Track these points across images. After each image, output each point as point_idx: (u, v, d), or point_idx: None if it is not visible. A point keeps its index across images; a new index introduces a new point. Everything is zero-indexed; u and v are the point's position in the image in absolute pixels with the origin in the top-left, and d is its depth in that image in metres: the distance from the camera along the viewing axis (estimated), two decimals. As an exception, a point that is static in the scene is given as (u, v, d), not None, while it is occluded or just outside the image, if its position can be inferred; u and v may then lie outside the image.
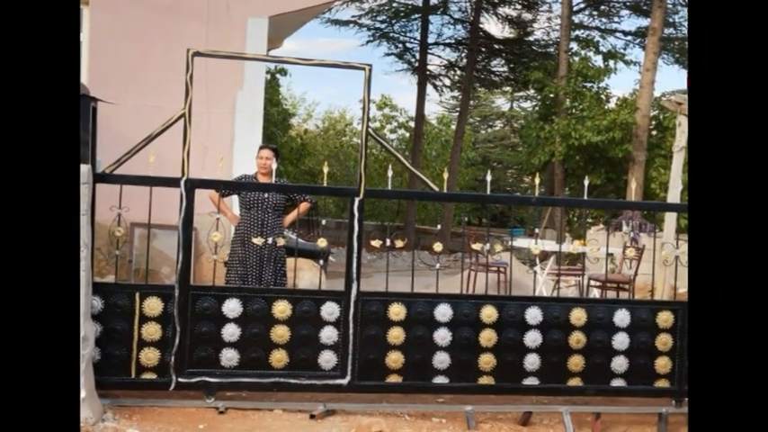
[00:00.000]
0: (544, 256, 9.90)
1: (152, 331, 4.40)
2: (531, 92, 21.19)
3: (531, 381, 4.75)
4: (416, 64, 21.43)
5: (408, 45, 21.96)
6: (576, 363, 4.77)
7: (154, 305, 4.40)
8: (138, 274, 7.55)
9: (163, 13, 7.84)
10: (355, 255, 4.55)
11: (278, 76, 19.31)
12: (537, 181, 5.16)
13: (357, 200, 4.55)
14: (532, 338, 4.73)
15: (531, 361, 4.74)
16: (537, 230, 5.68)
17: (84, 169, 4.06)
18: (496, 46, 22.01)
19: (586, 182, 5.20)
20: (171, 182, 4.42)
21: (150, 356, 4.40)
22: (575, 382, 4.79)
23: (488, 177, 5.03)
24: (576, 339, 4.77)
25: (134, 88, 7.68)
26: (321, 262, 5.21)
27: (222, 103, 7.85)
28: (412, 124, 23.34)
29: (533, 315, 4.75)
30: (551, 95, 16.51)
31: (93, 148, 4.29)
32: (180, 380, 4.41)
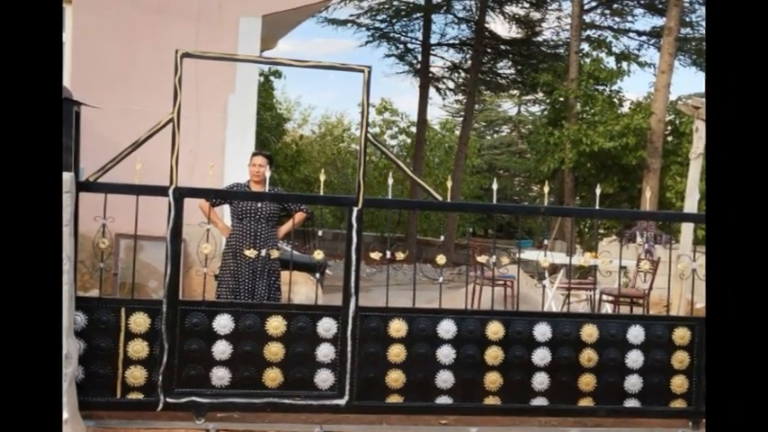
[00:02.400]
0: (553, 269, 9.90)
1: (138, 349, 4.40)
2: (540, 95, 21.26)
3: (539, 401, 4.74)
4: (418, 66, 21.51)
5: (410, 46, 22.06)
6: (587, 382, 4.77)
7: (140, 321, 4.40)
8: (124, 288, 7.55)
9: (150, 12, 7.88)
10: (354, 268, 4.55)
11: (272, 78, 19.42)
12: (546, 189, 5.16)
13: (355, 210, 4.55)
14: (541, 356, 4.73)
15: (540, 380, 4.73)
16: (546, 242, 5.68)
17: (67, 177, 4.07)
18: (503, 47, 22.11)
19: (598, 190, 5.21)
20: (158, 190, 4.42)
21: (137, 375, 4.39)
22: (586, 402, 4.78)
23: (494, 186, 5.03)
24: (588, 357, 4.77)
25: (120, 91, 7.71)
26: (317, 275, 5.21)
27: (213, 107, 7.88)
28: (413, 129, 23.39)
29: (542, 331, 4.75)
30: (561, 99, 16.56)
31: (76, 154, 4.29)
32: (168, 400, 4.41)
